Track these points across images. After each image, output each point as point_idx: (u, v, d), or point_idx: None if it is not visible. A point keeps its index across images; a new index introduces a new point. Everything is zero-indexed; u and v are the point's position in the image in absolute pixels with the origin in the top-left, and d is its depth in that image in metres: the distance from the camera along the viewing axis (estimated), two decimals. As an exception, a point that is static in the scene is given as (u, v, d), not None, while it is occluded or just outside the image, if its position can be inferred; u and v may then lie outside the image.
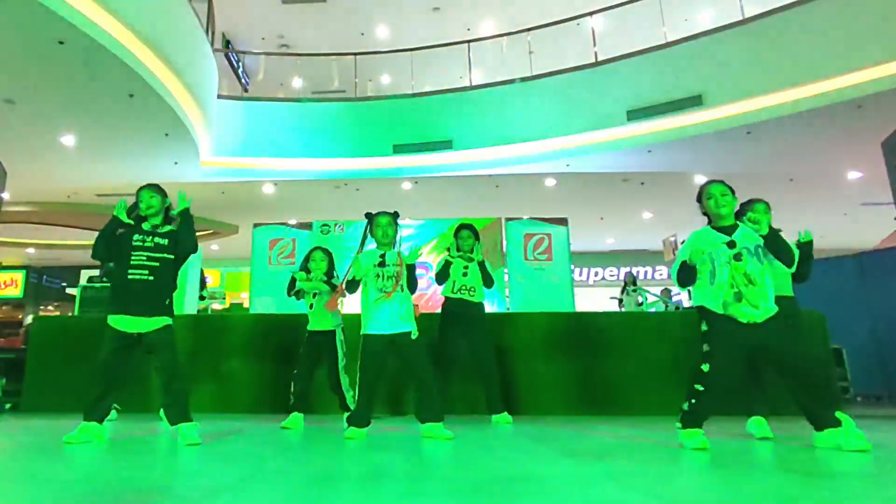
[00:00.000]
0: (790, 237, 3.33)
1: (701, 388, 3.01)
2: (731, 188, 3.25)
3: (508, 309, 7.84)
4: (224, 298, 11.80)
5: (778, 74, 8.95)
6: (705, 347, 3.09)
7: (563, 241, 7.97)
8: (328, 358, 4.34)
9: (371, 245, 3.88)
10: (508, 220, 8.11)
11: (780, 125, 9.23)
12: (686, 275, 3.22)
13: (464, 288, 4.64)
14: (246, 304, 9.49)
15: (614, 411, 5.09)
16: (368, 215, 3.91)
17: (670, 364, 5.10)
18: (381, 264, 3.68)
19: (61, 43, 6.75)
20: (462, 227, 4.83)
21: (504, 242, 8.07)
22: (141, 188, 3.52)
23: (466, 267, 4.68)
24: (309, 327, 4.41)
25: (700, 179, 11.45)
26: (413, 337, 3.62)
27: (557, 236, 7.97)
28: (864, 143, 9.43)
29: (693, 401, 3.03)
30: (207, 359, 5.37)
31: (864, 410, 6.04)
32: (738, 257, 3.04)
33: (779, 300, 3.28)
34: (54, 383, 5.35)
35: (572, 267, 8.45)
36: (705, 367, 3.03)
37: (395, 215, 3.90)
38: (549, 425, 4.21)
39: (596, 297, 12.58)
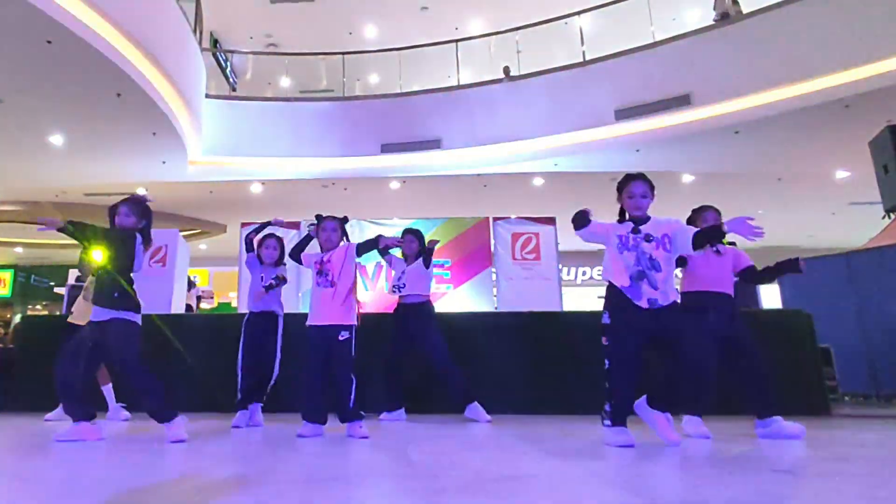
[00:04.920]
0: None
1: (607, 385, 3.05)
2: (651, 186, 3.25)
3: (497, 308, 7.83)
4: (212, 297, 11.76)
5: (765, 74, 8.92)
6: (604, 342, 3.10)
7: (550, 241, 8.02)
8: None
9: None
10: (496, 219, 8.13)
11: (768, 125, 9.21)
12: (580, 221, 3.30)
13: (404, 289, 4.75)
14: (234, 304, 9.46)
15: (594, 409, 5.07)
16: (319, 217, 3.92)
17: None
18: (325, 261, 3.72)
19: (49, 42, 6.74)
20: (406, 231, 4.97)
21: (492, 242, 8.07)
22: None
23: (403, 271, 4.80)
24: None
25: (688, 179, 11.46)
26: (340, 338, 3.54)
27: (545, 236, 8.02)
28: (851, 143, 9.36)
29: (609, 400, 3.06)
30: (192, 357, 5.30)
31: (852, 410, 6.00)
32: (647, 238, 3.10)
33: (716, 296, 3.48)
34: (42, 383, 5.20)
35: (560, 266, 8.45)
36: (606, 363, 3.06)
37: (344, 220, 3.90)
38: (531, 424, 4.21)
39: (584, 296, 12.51)
